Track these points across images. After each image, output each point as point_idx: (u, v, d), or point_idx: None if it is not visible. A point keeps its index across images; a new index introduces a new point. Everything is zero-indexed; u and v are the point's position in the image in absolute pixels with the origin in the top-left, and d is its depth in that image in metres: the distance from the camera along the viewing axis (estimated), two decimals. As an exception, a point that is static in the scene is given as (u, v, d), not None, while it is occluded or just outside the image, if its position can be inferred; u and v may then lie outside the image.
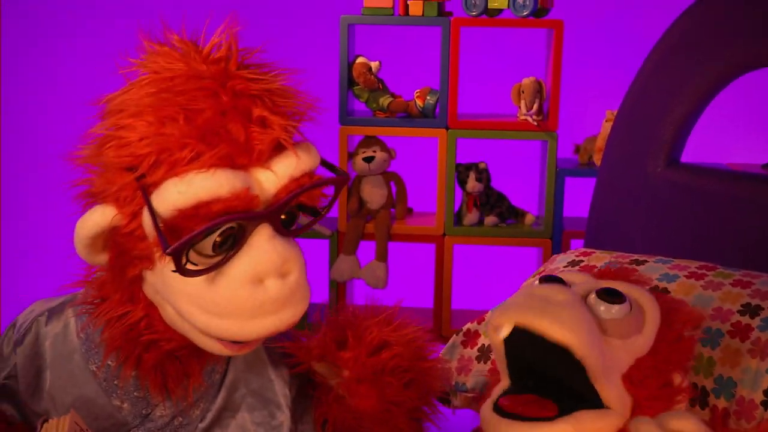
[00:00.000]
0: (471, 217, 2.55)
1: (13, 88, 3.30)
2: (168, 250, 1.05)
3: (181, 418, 1.28)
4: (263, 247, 1.08)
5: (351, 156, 2.52)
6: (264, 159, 1.10)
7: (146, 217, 1.09)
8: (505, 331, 1.17)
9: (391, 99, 2.49)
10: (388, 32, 2.71)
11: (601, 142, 2.53)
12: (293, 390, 1.34)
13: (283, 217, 1.13)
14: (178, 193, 1.06)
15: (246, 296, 1.08)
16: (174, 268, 1.06)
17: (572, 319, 1.14)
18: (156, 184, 1.08)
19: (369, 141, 2.52)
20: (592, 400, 1.16)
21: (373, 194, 2.54)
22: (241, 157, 1.09)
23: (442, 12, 2.47)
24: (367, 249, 2.55)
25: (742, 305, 1.36)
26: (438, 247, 2.55)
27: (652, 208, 1.70)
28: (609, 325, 1.18)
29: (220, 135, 1.08)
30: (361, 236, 2.53)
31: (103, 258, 1.16)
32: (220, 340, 1.14)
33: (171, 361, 1.22)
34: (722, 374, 1.31)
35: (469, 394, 1.53)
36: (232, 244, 1.09)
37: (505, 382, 1.25)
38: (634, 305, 1.21)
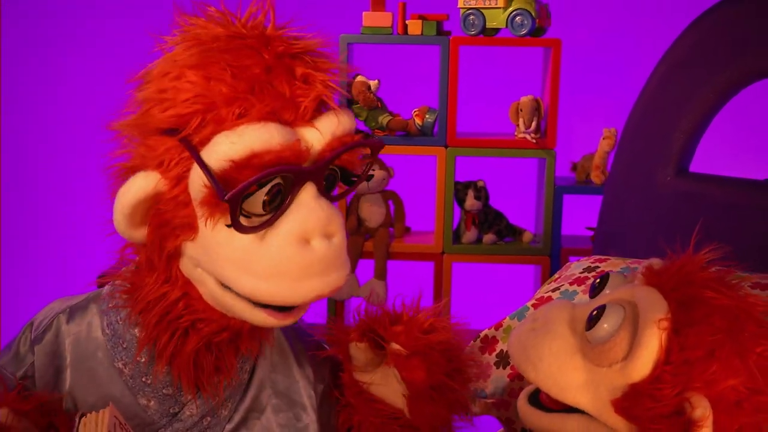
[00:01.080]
0: (469, 235, 2.53)
1: (13, 88, 3.26)
2: (227, 196, 1.01)
3: (209, 418, 1.24)
4: (310, 205, 1.06)
5: (350, 174, 2.49)
6: (308, 116, 1.08)
7: (193, 180, 1.05)
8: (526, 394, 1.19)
9: (389, 117, 2.47)
10: (386, 51, 2.70)
11: (598, 160, 2.52)
12: (318, 393, 1.30)
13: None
14: (231, 143, 1.03)
15: (294, 255, 1.04)
16: (229, 222, 1.03)
17: (548, 366, 1.10)
18: (203, 143, 1.05)
19: (368, 159, 2.49)
20: None
21: (372, 212, 2.51)
22: (288, 112, 1.07)
23: (440, 31, 2.46)
24: (366, 267, 2.52)
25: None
26: (437, 265, 2.52)
27: (661, 217, 1.68)
28: (591, 352, 1.07)
29: (266, 91, 1.06)
30: (360, 254, 2.50)
31: (141, 232, 1.11)
32: (266, 308, 1.09)
33: (205, 355, 1.18)
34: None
35: (489, 400, 1.49)
36: (279, 203, 1.06)
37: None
38: (624, 328, 1.05)
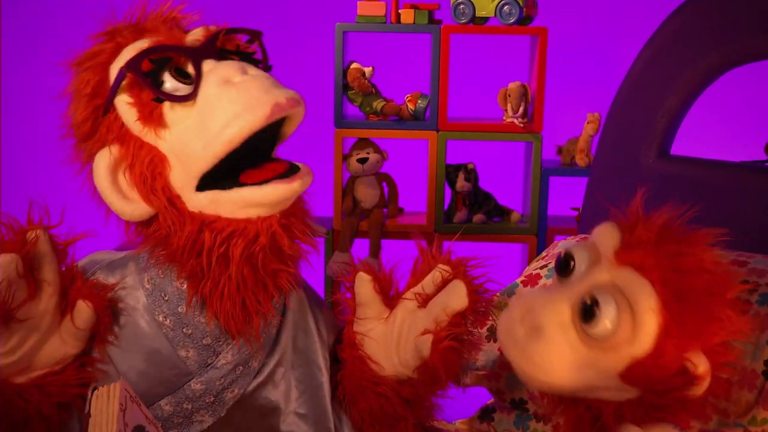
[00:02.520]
0: (460, 215, 2.58)
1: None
2: (126, 68, 1.17)
3: (242, 367, 1.29)
4: (215, 66, 1.20)
5: (345, 157, 2.53)
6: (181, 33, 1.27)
7: (125, 116, 1.20)
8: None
9: (383, 103, 2.51)
10: (380, 39, 2.74)
11: (582, 143, 2.57)
12: (330, 356, 1.36)
13: None
14: (118, 61, 1.20)
15: (227, 92, 1.16)
16: (154, 97, 1.18)
17: (556, 368, 1.08)
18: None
19: (363, 143, 2.53)
20: None
21: (367, 194, 2.55)
22: (159, 34, 1.25)
23: (432, 20, 2.50)
24: (361, 246, 2.56)
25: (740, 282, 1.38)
26: (428, 244, 2.56)
27: (646, 197, 1.73)
28: (594, 344, 1.07)
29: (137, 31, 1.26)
30: (356, 234, 2.55)
31: (136, 199, 1.21)
32: (269, 183, 1.18)
33: (247, 305, 1.23)
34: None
35: (480, 372, 1.55)
36: (188, 76, 1.20)
37: None
38: (623, 315, 1.06)
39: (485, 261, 1.30)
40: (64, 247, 1.26)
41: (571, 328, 1.08)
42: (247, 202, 1.17)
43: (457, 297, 1.25)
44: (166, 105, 1.18)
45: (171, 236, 1.21)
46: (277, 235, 1.21)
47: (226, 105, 1.14)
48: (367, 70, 2.50)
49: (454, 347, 1.25)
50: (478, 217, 2.58)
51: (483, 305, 1.28)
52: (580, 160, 2.57)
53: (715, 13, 1.67)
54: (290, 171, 1.21)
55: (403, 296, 1.32)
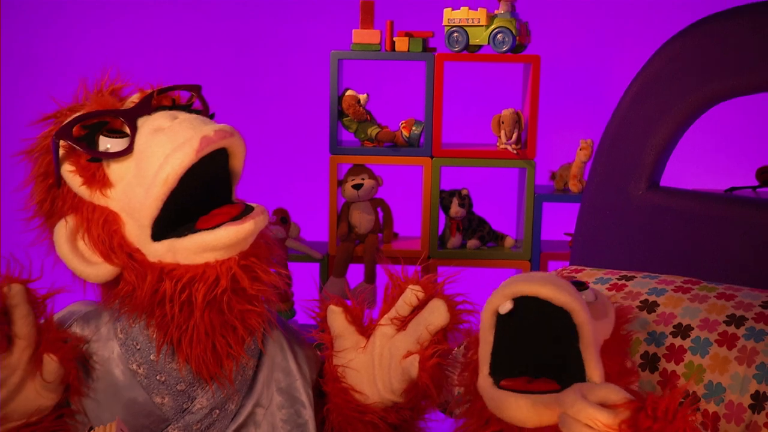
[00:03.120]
0: (454, 240, 2.59)
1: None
2: (53, 136, 1.23)
3: (218, 411, 1.30)
4: (148, 118, 1.26)
5: (341, 183, 2.55)
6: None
7: (72, 184, 1.26)
8: (508, 306, 1.19)
9: (378, 129, 2.53)
10: (375, 67, 2.76)
11: (575, 169, 2.58)
12: (314, 390, 1.36)
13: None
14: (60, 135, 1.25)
15: (157, 137, 1.21)
16: (90, 158, 1.24)
17: (572, 288, 1.18)
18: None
19: (357, 169, 2.55)
20: (576, 375, 1.17)
21: (362, 219, 2.56)
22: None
23: (426, 48, 2.52)
24: (356, 271, 2.57)
25: (727, 316, 1.40)
26: (423, 269, 2.58)
27: (635, 228, 1.74)
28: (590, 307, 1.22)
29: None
30: (351, 259, 2.56)
31: (98, 261, 1.24)
32: (220, 227, 1.21)
33: (213, 344, 1.25)
34: (712, 380, 1.35)
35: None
36: (123, 135, 1.25)
37: (484, 369, 1.22)
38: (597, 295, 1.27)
39: (454, 277, 1.31)
40: (42, 300, 1.27)
41: None
42: (202, 246, 1.20)
43: (438, 314, 1.27)
44: (107, 165, 1.24)
45: (136, 289, 1.23)
46: (237, 276, 1.23)
47: (157, 149, 1.19)
48: (362, 97, 2.52)
49: (440, 364, 1.27)
50: (472, 243, 2.59)
51: (464, 320, 1.29)
52: (573, 186, 2.59)
53: (701, 49, 1.68)
54: (244, 212, 1.24)
55: (378, 323, 1.33)
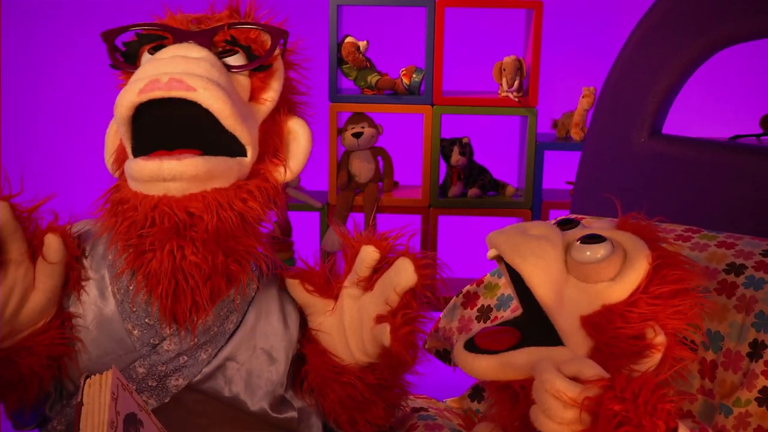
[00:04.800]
0: (455, 189, 2.57)
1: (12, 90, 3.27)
2: (102, 32, 1.23)
3: (186, 357, 1.28)
4: (179, 47, 1.21)
5: (340, 132, 2.52)
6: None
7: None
8: (491, 253, 1.22)
9: (378, 77, 2.50)
10: (375, 13, 2.71)
11: (577, 117, 2.56)
12: (294, 352, 1.35)
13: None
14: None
15: (139, 68, 1.20)
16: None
17: (529, 249, 1.15)
18: None
19: (357, 117, 2.52)
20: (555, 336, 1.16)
21: (362, 168, 2.55)
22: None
23: (427, -7, 2.48)
24: (356, 220, 2.56)
25: (727, 264, 1.38)
26: (424, 218, 2.57)
27: (636, 176, 1.72)
28: (576, 266, 1.16)
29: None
30: (351, 208, 2.54)
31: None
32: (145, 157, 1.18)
33: (182, 292, 1.20)
34: (710, 328, 1.34)
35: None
36: None
37: (519, 310, 1.26)
38: (616, 253, 1.16)
39: (404, 230, 1.29)
40: (29, 214, 1.25)
41: (563, 250, 1.17)
42: (129, 174, 1.18)
43: (405, 275, 1.22)
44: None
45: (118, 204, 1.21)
46: (193, 212, 1.17)
47: (131, 79, 1.17)
48: (362, 44, 2.48)
49: (412, 330, 1.24)
50: (473, 191, 2.57)
51: (430, 279, 1.25)
52: (575, 134, 2.56)
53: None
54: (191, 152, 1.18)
55: (344, 285, 1.30)
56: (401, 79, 2.49)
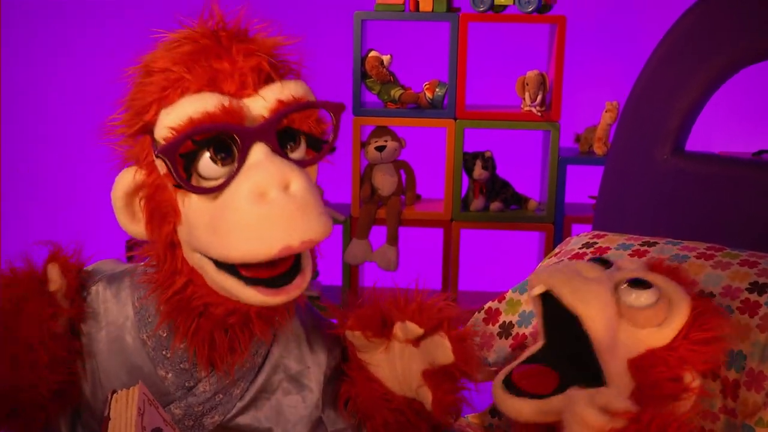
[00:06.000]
0: (477, 203, 2.57)
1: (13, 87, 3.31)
2: (157, 150, 1.07)
3: (221, 395, 1.28)
4: (261, 162, 1.08)
5: (363, 145, 2.53)
6: (251, 87, 1.12)
7: (158, 161, 1.11)
8: (537, 290, 1.24)
9: (401, 91, 2.51)
10: (399, 27, 2.73)
11: (600, 132, 2.55)
12: (328, 374, 1.34)
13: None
14: (168, 114, 1.09)
15: (249, 209, 1.05)
16: (175, 182, 1.08)
17: (590, 293, 1.18)
18: (156, 124, 1.12)
19: (380, 131, 2.53)
20: (596, 373, 1.19)
21: (384, 181, 2.55)
22: (228, 84, 1.11)
23: (450, 8, 2.48)
24: (378, 233, 2.57)
25: (750, 284, 1.37)
26: (446, 232, 2.57)
27: (659, 193, 1.72)
28: (628, 311, 1.19)
29: (205, 68, 1.11)
30: (373, 221, 2.55)
31: (141, 226, 1.18)
32: (256, 286, 1.12)
33: (220, 334, 1.21)
34: (732, 348, 1.33)
35: (493, 368, 1.55)
36: (230, 162, 1.09)
37: (540, 341, 1.28)
38: (663, 300, 1.21)
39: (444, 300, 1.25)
40: (76, 272, 1.26)
41: (614, 293, 1.20)
42: (230, 291, 1.14)
43: (442, 353, 1.22)
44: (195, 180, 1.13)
45: (158, 273, 1.20)
46: (252, 319, 1.19)
47: (242, 223, 1.07)
48: (386, 58, 2.49)
49: (454, 401, 1.26)
50: (495, 205, 2.57)
51: (470, 355, 1.25)
52: (598, 149, 2.56)
53: (728, 11, 1.64)
54: (286, 276, 1.13)
55: (392, 335, 1.29)
56: (424, 93, 2.49)
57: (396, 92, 2.50)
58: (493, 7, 2.44)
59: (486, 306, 1.61)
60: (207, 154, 1.08)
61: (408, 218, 2.57)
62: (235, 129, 1.08)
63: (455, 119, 2.49)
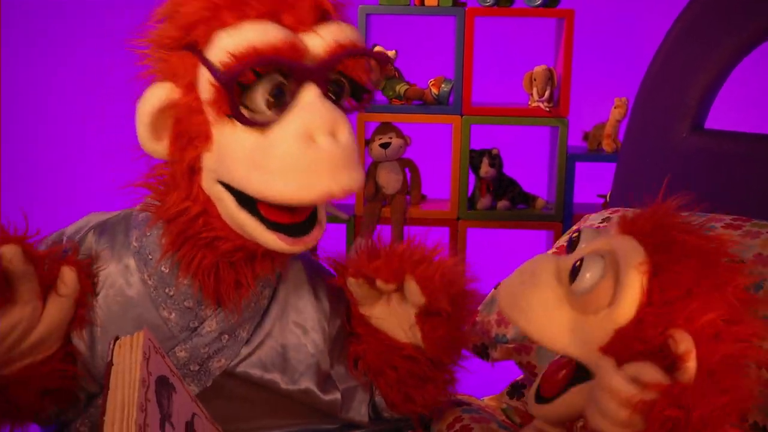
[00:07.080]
0: (484, 201, 2.52)
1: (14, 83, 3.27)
2: (222, 77, 1.03)
3: (227, 336, 1.23)
4: (313, 104, 1.05)
5: (368, 142, 2.48)
6: (309, 22, 1.08)
7: (201, 82, 1.06)
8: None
9: (407, 87, 2.47)
10: (404, 22, 2.69)
11: (609, 129, 2.51)
12: (333, 327, 1.31)
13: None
14: (229, 37, 1.04)
15: (299, 151, 1.03)
16: (230, 113, 1.05)
17: (532, 303, 1.07)
18: (208, 44, 1.07)
19: (385, 127, 2.48)
20: None
21: (389, 179, 2.50)
22: (287, 16, 1.07)
23: (456, 2, 2.45)
24: (383, 232, 2.51)
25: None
26: (452, 231, 2.52)
27: (678, 172, 1.67)
28: (576, 302, 1.04)
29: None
30: (378, 220, 2.50)
31: (163, 145, 1.12)
32: (277, 232, 1.10)
33: (225, 268, 1.17)
34: (766, 315, 1.27)
35: (510, 345, 1.49)
36: (282, 102, 1.06)
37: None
38: (606, 277, 1.02)
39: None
40: (43, 258, 1.17)
41: (562, 285, 1.06)
42: (247, 231, 1.11)
43: (414, 296, 1.20)
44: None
45: (169, 200, 1.15)
46: (257, 258, 1.17)
47: (290, 164, 1.04)
48: (391, 53, 2.45)
49: (443, 334, 1.26)
50: (502, 204, 2.52)
51: (438, 290, 1.21)
52: (607, 146, 2.52)
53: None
54: (303, 226, 1.12)
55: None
56: (430, 89, 2.45)
57: (401, 88, 2.46)
58: (499, 1, 2.41)
59: (501, 283, 1.55)
60: (260, 88, 1.05)
61: (413, 217, 2.51)
62: (296, 66, 1.05)
63: (461, 116, 2.45)
